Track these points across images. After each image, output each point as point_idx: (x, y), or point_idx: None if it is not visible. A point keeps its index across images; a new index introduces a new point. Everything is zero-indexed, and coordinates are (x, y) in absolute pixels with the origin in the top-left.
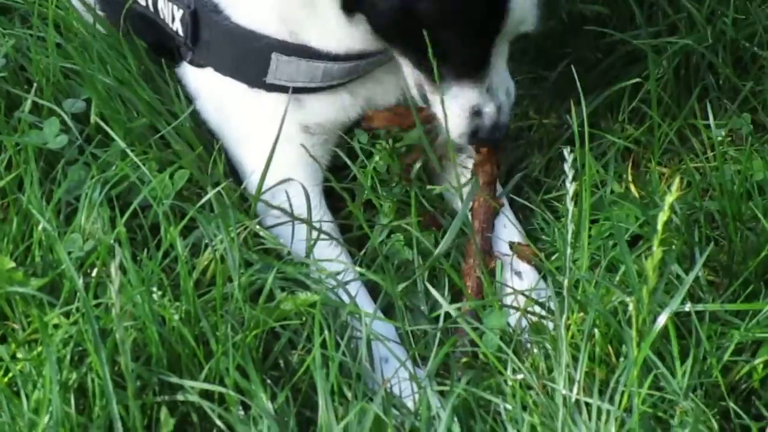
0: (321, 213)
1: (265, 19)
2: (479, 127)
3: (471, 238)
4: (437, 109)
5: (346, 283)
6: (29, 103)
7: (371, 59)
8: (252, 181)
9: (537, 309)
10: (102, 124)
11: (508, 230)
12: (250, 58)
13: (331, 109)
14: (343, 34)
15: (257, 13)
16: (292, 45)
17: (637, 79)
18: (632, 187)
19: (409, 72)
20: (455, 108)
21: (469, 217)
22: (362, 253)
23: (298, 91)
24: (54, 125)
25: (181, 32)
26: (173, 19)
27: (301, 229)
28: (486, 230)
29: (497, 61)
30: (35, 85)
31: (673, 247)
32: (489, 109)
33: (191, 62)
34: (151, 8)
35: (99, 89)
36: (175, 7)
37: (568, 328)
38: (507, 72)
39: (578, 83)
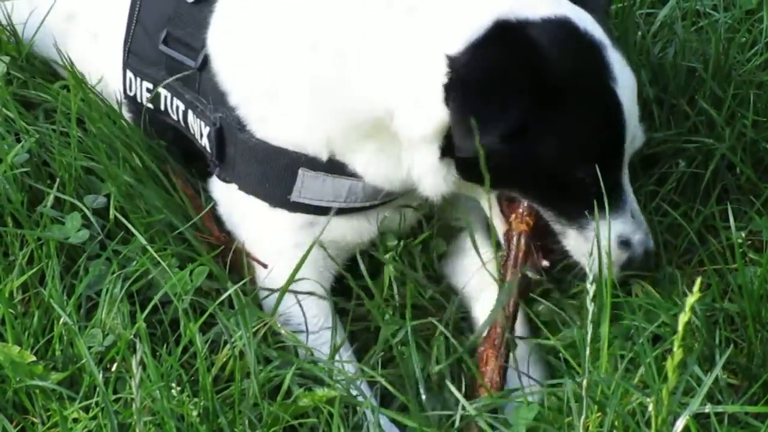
0: (323, 321)
1: (300, 137)
2: (631, 259)
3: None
4: (571, 246)
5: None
6: (51, 198)
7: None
8: (264, 285)
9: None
10: (122, 219)
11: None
12: (275, 174)
13: (348, 230)
14: (399, 176)
15: (292, 130)
16: (322, 162)
17: (652, 187)
18: (651, 288)
19: (495, 212)
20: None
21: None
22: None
23: (319, 212)
24: (76, 220)
25: (208, 148)
26: (201, 135)
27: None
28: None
29: (627, 183)
30: (58, 180)
31: (695, 347)
32: (639, 236)
33: (219, 178)
34: (182, 123)
35: (119, 185)
36: (203, 124)
37: (586, 428)
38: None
39: (601, 183)
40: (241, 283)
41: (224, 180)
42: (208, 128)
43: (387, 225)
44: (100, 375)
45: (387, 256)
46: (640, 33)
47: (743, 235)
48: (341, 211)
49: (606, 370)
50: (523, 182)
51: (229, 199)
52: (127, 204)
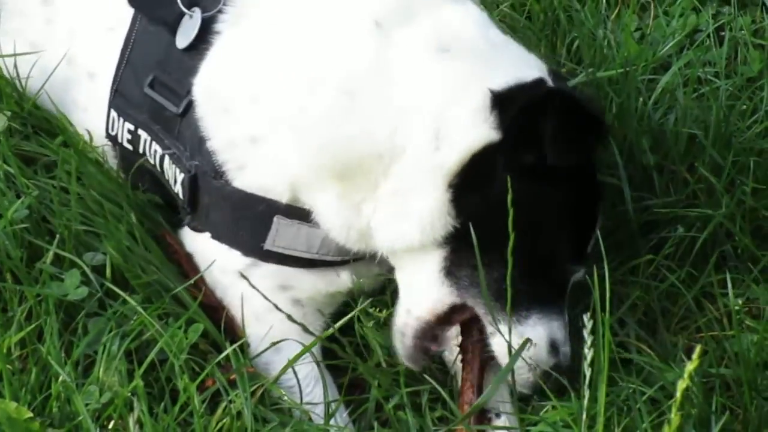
0: (313, 382)
1: (273, 183)
2: (557, 367)
3: (462, 393)
4: (498, 341)
5: None
6: (51, 254)
7: None
8: (252, 348)
9: None
10: (120, 278)
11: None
12: (250, 221)
13: (322, 283)
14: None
15: (272, 176)
16: (297, 209)
17: (650, 256)
18: (649, 351)
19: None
20: (536, 338)
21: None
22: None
23: (291, 263)
24: (75, 277)
25: (181, 195)
26: (175, 182)
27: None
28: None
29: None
30: (57, 236)
31: (692, 413)
32: (566, 349)
33: (189, 226)
34: (158, 167)
35: (116, 245)
36: (178, 170)
37: None
38: None
39: (602, 247)
40: (238, 343)
41: (195, 228)
42: (182, 175)
43: (362, 273)
44: None
45: (371, 324)
46: (641, 99)
47: (740, 302)
48: (313, 265)
49: None
50: (524, 241)
51: (203, 255)
52: (124, 263)
